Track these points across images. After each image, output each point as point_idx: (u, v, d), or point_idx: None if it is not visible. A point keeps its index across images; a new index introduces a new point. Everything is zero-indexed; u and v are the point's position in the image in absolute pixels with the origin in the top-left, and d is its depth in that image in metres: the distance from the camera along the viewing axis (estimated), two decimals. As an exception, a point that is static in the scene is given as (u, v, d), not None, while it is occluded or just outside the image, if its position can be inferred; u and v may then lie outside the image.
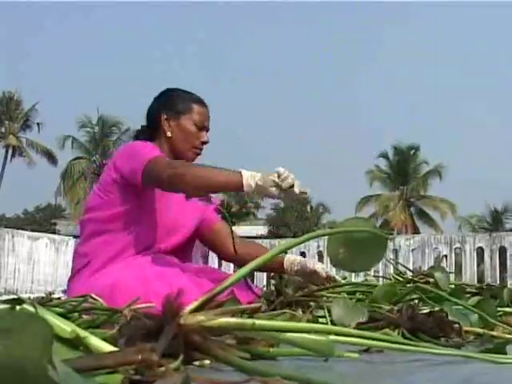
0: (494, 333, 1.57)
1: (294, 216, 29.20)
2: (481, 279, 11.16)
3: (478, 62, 64.48)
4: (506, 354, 1.19)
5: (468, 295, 2.11)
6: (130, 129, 25.75)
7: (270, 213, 31.30)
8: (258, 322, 0.85)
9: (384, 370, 1.09)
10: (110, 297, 1.82)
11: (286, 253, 2.40)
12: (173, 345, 0.79)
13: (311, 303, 1.88)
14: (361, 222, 1.41)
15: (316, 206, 32.62)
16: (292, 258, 2.29)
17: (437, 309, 1.66)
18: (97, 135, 28.91)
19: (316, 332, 0.89)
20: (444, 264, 10.43)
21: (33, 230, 17.06)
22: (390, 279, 2.46)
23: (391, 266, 8.60)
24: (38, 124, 30.94)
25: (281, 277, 2.15)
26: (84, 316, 1.34)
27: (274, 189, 1.88)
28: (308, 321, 1.54)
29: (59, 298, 1.74)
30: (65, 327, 0.78)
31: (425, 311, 1.65)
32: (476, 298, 1.98)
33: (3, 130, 30.42)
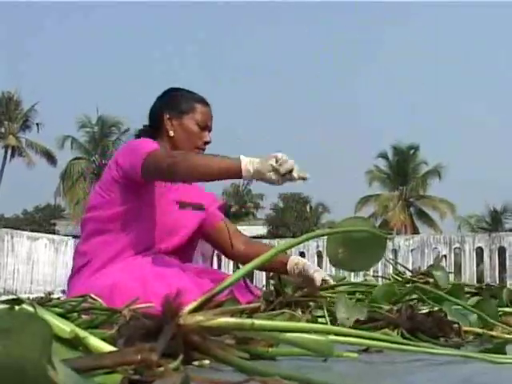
0: (494, 333, 1.57)
1: (294, 216, 29.21)
2: (480, 279, 11.17)
3: (478, 62, 64.55)
4: (505, 353, 1.19)
5: (467, 295, 2.11)
6: (129, 129, 25.71)
7: (269, 213, 31.34)
8: (257, 321, 0.85)
9: (383, 369, 1.09)
10: (110, 297, 1.82)
11: (285, 253, 2.39)
12: (172, 345, 0.79)
13: (310, 303, 1.87)
14: (360, 222, 1.41)
15: (315, 206, 32.65)
16: (296, 261, 2.25)
17: (436, 309, 1.66)
18: (96, 135, 28.90)
19: (315, 332, 0.89)
20: (443, 264, 10.42)
21: (32, 231, 17.06)
22: (390, 279, 2.46)
23: (390, 266, 8.60)
24: (37, 124, 30.96)
25: (279, 277, 2.15)
26: (83, 316, 1.34)
27: (271, 173, 1.85)
28: (307, 321, 1.54)
29: (58, 298, 1.75)
30: (64, 327, 0.78)
31: (424, 311, 1.65)
32: (475, 298, 1.98)
33: (3, 130, 30.42)
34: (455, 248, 11.42)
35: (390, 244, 10.66)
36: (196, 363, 0.89)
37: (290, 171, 1.85)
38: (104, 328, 1.19)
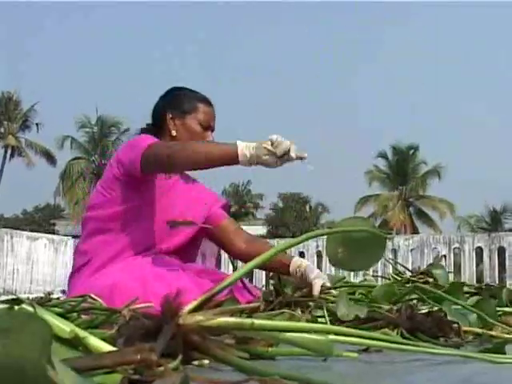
0: (493, 333, 1.57)
1: (293, 216, 29.22)
2: (480, 279, 11.17)
3: (478, 61, 64.57)
4: (504, 353, 1.19)
5: (467, 295, 2.11)
6: (129, 129, 25.72)
7: (268, 213, 31.35)
8: (256, 321, 0.85)
9: (383, 369, 1.09)
10: (109, 297, 1.82)
11: (285, 253, 2.39)
12: (172, 345, 0.79)
13: (310, 303, 1.87)
14: (359, 222, 1.41)
15: (315, 206, 32.66)
16: (298, 263, 2.21)
17: (436, 308, 1.66)
18: (96, 135, 28.89)
19: (315, 332, 0.89)
20: (443, 264, 10.42)
21: (32, 231, 17.06)
22: (389, 279, 2.46)
23: (390, 266, 8.60)
24: (36, 124, 30.96)
25: (279, 277, 2.14)
26: (83, 316, 1.34)
27: (268, 157, 1.84)
28: (307, 320, 1.54)
29: (58, 298, 1.74)
30: (64, 327, 0.78)
31: (424, 311, 1.65)
32: (475, 298, 1.98)
33: (2, 130, 30.41)
34: (455, 248, 11.42)
35: (389, 244, 10.67)
36: (196, 363, 0.89)
37: (288, 152, 1.83)
38: (104, 328, 1.19)
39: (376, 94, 64.72)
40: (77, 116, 29.12)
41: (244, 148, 1.87)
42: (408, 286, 2.11)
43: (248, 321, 0.84)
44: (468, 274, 11.04)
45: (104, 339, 0.78)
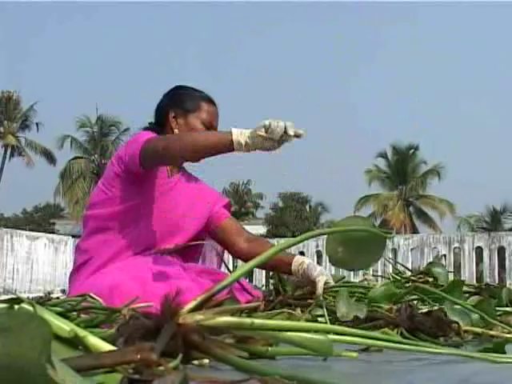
0: (493, 332, 1.57)
1: (293, 215, 29.22)
2: (479, 279, 11.17)
3: (478, 61, 64.53)
4: (504, 353, 1.19)
5: (467, 295, 2.11)
6: (129, 128, 25.77)
7: (268, 212, 31.34)
8: (256, 321, 0.85)
9: (383, 369, 1.09)
10: (109, 298, 1.82)
11: (284, 251, 2.38)
12: (171, 344, 0.79)
13: (310, 301, 1.87)
14: (359, 221, 1.41)
15: (315, 206, 32.66)
16: (300, 261, 2.20)
17: (436, 308, 1.66)
18: (96, 135, 28.91)
19: (315, 331, 0.89)
20: (443, 263, 10.43)
21: (31, 230, 17.07)
22: (389, 278, 2.46)
23: (390, 266, 8.60)
24: (36, 124, 30.94)
25: (279, 276, 2.14)
26: (83, 315, 1.34)
27: (265, 143, 1.83)
28: (307, 320, 1.54)
29: (58, 298, 1.74)
30: (63, 326, 0.78)
31: (424, 310, 1.65)
32: (475, 298, 1.98)
33: (2, 129, 30.40)
34: (455, 248, 11.43)
35: (389, 243, 10.67)
36: (196, 362, 0.89)
37: (285, 133, 1.82)
38: (104, 327, 1.20)
39: (376, 94, 64.75)
40: (77, 115, 29.18)
41: (239, 135, 1.86)
42: (408, 285, 2.11)
43: (248, 320, 0.84)
44: (468, 274, 11.04)
45: (104, 338, 0.78)
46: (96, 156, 28.99)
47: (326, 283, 2.05)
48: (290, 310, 1.55)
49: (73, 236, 13.73)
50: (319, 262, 10.93)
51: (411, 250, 11.40)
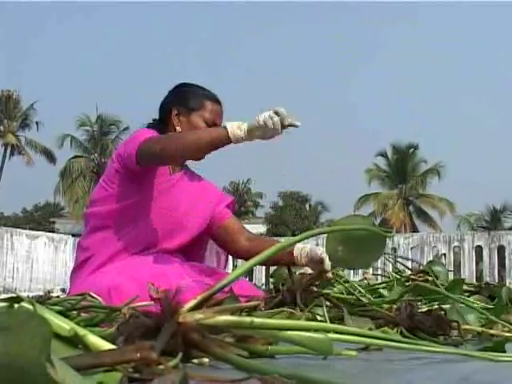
0: (493, 331, 1.57)
1: (293, 214, 29.21)
2: (479, 278, 11.17)
3: (479, 61, 64.49)
4: (504, 352, 1.19)
5: (467, 294, 2.11)
6: (128, 127, 25.76)
7: (268, 211, 31.33)
8: (256, 320, 0.85)
9: (383, 368, 1.09)
10: (107, 298, 1.82)
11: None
12: (171, 343, 0.79)
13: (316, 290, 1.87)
14: (359, 220, 1.41)
15: (315, 205, 32.65)
16: (301, 247, 2.21)
17: (436, 307, 1.66)
18: (95, 134, 28.90)
19: (314, 330, 0.89)
20: (443, 262, 10.43)
21: (31, 229, 17.06)
22: (389, 277, 2.46)
23: (390, 265, 8.60)
24: (36, 123, 30.91)
25: (290, 268, 2.11)
26: (83, 314, 1.34)
27: (263, 135, 1.88)
28: (307, 319, 1.54)
29: (58, 297, 1.74)
30: (63, 325, 0.78)
31: (424, 309, 1.65)
32: (475, 297, 1.98)
33: (2, 128, 30.38)
34: (454, 246, 11.43)
35: (389, 242, 10.67)
36: (195, 361, 0.89)
37: (282, 124, 1.87)
38: (103, 326, 1.20)
39: (376, 94, 64.74)
40: (77, 115, 29.19)
41: (235, 130, 1.89)
42: (408, 284, 2.11)
43: (247, 319, 0.84)
44: (468, 273, 11.04)
45: (104, 337, 0.78)
46: (96, 155, 28.98)
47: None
48: (289, 309, 1.54)
49: (73, 235, 13.73)
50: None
51: (411, 248, 11.40)
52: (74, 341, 0.77)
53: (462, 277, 10.46)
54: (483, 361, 1.05)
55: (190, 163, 2.38)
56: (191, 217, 2.28)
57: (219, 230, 2.35)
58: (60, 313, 1.02)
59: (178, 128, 2.26)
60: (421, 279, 2.15)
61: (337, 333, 0.93)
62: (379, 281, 2.60)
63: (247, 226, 2.55)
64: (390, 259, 7.38)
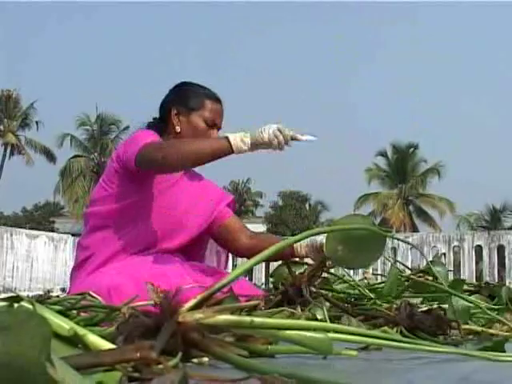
0: (493, 331, 1.57)
1: (293, 214, 29.21)
2: (479, 277, 11.18)
3: (479, 61, 64.49)
4: (504, 351, 1.19)
5: (466, 293, 2.11)
6: (128, 127, 25.75)
7: (268, 211, 31.33)
8: (256, 319, 0.85)
9: (382, 367, 1.09)
10: (107, 298, 1.81)
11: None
12: (171, 342, 0.79)
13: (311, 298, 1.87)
14: (359, 220, 1.41)
15: (314, 204, 32.65)
16: (298, 244, 2.23)
17: (435, 306, 1.66)
18: (95, 133, 28.91)
19: (314, 329, 0.89)
20: (442, 262, 10.43)
21: (31, 228, 17.06)
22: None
23: (389, 264, 8.60)
24: (36, 122, 30.90)
25: (289, 266, 2.10)
26: (82, 314, 1.34)
27: (270, 148, 1.91)
28: (307, 318, 1.54)
29: (58, 296, 1.74)
30: (63, 325, 0.78)
31: (423, 309, 1.65)
32: (474, 296, 1.98)
33: (1, 127, 30.37)
34: (454, 246, 11.43)
35: (389, 242, 10.67)
36: (195, 361, 0.89)
37: (287, 140, 1.90)
38: (103, 326, 1.19)
39: (376, 94, 64.76)
40: (76, 114, 29.18)
41: (239, 142, 1.89)
42: (408, 283, 2.11)
43: (247, 319, 0.84)
44: (467, 273, 11.04)
45: (103, 337, 0.78)
46: (96, 154, 28.98)
47: None
48: (289, 309, 1.54)
49: (72, 234, 13.73)
50: (319, 261, 10.91)
51: (411, 248, 11.39)
52: (73, 340, 0.77)
53: (462, 276, 10.46)
54: (483, 360, 1.05)
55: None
56: (191, 216, 2.27)
57: (220, 229, 2.35)
58: (60, 312, 1.02)
59: (178, 128, 2.25)
60: (420, 279, 2.15)
61: (337, 332, 0.93)
62: (379, 280, 2.60)
63: (247, 226, 2.55)
64: (390, 259, 7.37)
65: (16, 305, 0.87)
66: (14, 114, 30.53)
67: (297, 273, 2.13)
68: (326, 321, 1.58)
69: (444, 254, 11.16)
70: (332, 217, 30.03)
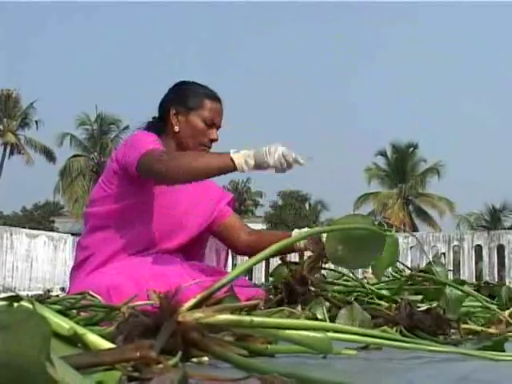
0: (492, 330, 1.57)
1: (292, 213, 29.22)
2: (479, 277, 11.18)
3: (479, 60, 64.50)
4: (503, 351, 1.19)
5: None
6: (128, 126, 25.73)
7: (268, 210, 31.34)
8: (256, 318, 0.85)
9: (382, 367, 1.09)
10: (107, 298, 1.81)
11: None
12: (171, 342, 0.79)
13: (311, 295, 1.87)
14: (359, 219, 1.40)
15: (314, 204, 32.67)
16: (298, 231, 2.24)
17: (435, 305, 1.66)
18: (95, 133, 28.90)
19: (314, 329, 0.89)
20: (442, 262, 10.43)
21: (31, 228, 17.05)
22: (388, 277, 2.45)
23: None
24: (36, 122, 30.89)
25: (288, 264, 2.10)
26: (82, 313, 1.34)
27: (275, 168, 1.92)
28: (306, 318, 1.54)
29: (57, 296, 1.74)
30: (63, 324, 0.78)
31: (423, 308, 1.65)
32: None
33: (1, 127, 30.37)
34: (454, 246, 11.43)
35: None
36: (195, 360, 0.89)
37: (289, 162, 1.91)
38: (103, 325, 1.19)
39: (376, 94, 64.78)
40: (76, 113, 29.17)
41: (243, 164, 1.90)
42: (407, 283, 2.11)
43: (247, 318, 0.84)
44: (467, 272, 11.05)
45: (103, 336, 0.78)
46: (95, 154, 28.98)
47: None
48: (289, 308, 1.54)
49: (72, 234, 13.74)
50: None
51: (410, 248, 11.40)
52: (73, 340, 0.77)
53: (462, 276, 10.47)
54: (483, 360, 1.05)
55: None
56: (191, 216, 2.27)
57: (220, 228, 2.35)
58: (59, 312, 1.02)
59: (176, 128, 2.24)
60: (420, 279, 2.15)
61: (336, 332, 0.93)
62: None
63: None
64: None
65: (16, 304, 0.87)
66: (13, 113, 30.53)
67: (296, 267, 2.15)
68: (325, 320, 1.58)
69: (444, 253, 11.16)
70: (332, 216, 30.05)
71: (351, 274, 2.16)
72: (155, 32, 67.24)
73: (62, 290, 11.19)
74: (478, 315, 1.83)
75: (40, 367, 0.51)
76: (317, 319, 1.63)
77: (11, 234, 11.71)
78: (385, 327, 1.47)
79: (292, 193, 31.41)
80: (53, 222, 34.39)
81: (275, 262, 2.41)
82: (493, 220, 28.92)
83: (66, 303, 1.37)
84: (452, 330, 1.56)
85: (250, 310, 1.10)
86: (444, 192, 30.75)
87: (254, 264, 0.98)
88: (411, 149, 30.01)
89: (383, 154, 30.47)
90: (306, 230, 2.25)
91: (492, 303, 1.96)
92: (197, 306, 0.84)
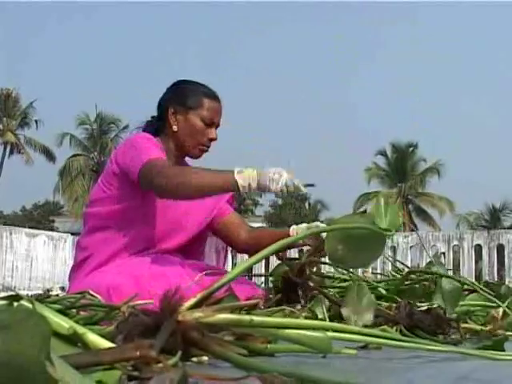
0: (492, 330, 1.57)
1: (292, 213, 29.23)
2: (479, 276, 11.18)
3: (479, 60, 64.51)
4: (503, 350, 1.19)
5: (466, 292, 2.11)
6: (128, 126, 25.73)
7: (267, 210, 31.36)
8: (255, 318, 0.85)
9: (382, 366, 1.09)
10: (107, 298, 1.81)
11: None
12: (171, 341, 0.79)
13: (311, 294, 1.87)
14: (360, 219, 1.40)
15: (314, 203, 32.69)
16: (296, 227, 2.25)
17: (435, 305, 1.66)
18: (95, 132, 28.91)
19: (314, 328, 0.89)
20: (442, 261, 10.43)
21: (31, 227, 17.05)
22: (388, 276, 2.46)
23: (389, 263, 8.61)
24: (36, 121, 30.88)
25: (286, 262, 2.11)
26: (82, 313, 1.34)
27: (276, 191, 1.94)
28: (306, 317, 1.54)
29: (57, 295, 1.74)
30: (63, 323, 0.78)
31: (423, 308, 1.65)
32: (474, 296, 1.98)
33: (1, 126, 30.36)
34: (454, 245, 11.43)
35: (388, 241, 10.67)
36: (195, 359, 0.89)
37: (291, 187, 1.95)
38: (103, 324, 1.19)
39: (376, 94, 64.80)
40: (76, 113, 29.19)
41: (246, 186, 1.92)
42: (407, 283, 2.11)
43: (247, 317, 0.84)
44: (467, 272, 11.04)
45: (103, 336, 0.78)
46: (95, 153, 28.98)
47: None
48: (289, 307, 1.54)
49: (72, 233, 13.73)
50: (318, 260, 10.91)
51: (410, 247, 11.40)
52: (73, 339, 0.77)
53: (462, 276, 10.46)
54: (482, 359, 1.05)
55: (189, 161, 2.37)
56: (191, 216, 2.27)
57: (219, 226, 2.36)
58: (59, 311, 1.02)
59: (175, 127, 2.24)
60: (420, 278, 2.15)
61: (336, 331, 0.93)
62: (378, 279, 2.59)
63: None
64: (390, 258, 7.37)
65: (15, 304, 0.87)
66: (13, 112, 30.52)
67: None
68: (325, 319, 1.58)
69: (443, 253, 11.17)
70: (331, 216, 30.05)
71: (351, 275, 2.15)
72: (155, 32, 67.30)
73: (62, 289, 11.19)
74: (478, 314, 1.83)
75: (40, 366, 0.51)
76: (317, 318, 1.63)
77: (11, 234, 11.71)
78: (385, 327, 1.47)
79: (291, 192, 31.38)
80: (52, 221, 34.40)
81: (275, 261, 2.41)
82: (493, 219, 28.93)
83: (66, 302, 1.37)
84: (452, 330, 1.56)
85: (250, 309, 1.10)
86: (444, 191, 30.82)
87: (254, 263, 0.98)
88: (411, 148, 30.03)
89: (383, 153, 30.50)
90: (304, 225, 2.26)
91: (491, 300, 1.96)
92: (197, 306, 0.84)
